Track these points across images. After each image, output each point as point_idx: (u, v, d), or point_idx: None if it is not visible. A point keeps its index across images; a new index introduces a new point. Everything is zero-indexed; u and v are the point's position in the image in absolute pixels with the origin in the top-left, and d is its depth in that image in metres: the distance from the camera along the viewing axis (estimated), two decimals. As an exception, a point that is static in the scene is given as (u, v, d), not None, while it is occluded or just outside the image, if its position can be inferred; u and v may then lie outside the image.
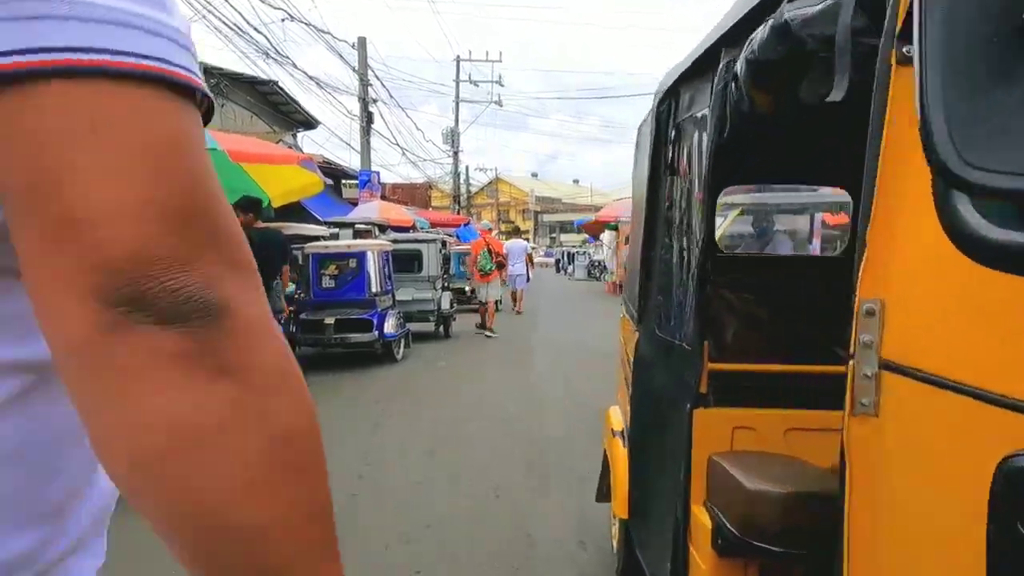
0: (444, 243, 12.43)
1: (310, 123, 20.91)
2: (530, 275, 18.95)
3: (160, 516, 0.40)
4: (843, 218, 8.33)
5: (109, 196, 0.36)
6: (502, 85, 34.54)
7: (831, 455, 1.21)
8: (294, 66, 13.33)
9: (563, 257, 40.69)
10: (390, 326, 8.49)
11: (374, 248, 8.96)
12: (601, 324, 10.90)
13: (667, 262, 2.41)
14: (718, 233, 4.29)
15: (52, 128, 0.35)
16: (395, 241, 10.72)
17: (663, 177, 2.49)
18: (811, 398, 2.09)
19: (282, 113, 19.87)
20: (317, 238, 9.80)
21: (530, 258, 17.65)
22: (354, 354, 8.60)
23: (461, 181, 36.73)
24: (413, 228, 14.90)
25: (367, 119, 16.91)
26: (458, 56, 33.33)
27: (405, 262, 10.68)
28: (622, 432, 2.91)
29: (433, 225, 18.94)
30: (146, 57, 0.38)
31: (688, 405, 2.02)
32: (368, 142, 16.68)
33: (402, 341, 9.11)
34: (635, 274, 2.81)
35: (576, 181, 76.25)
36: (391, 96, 18.36)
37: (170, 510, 0.40)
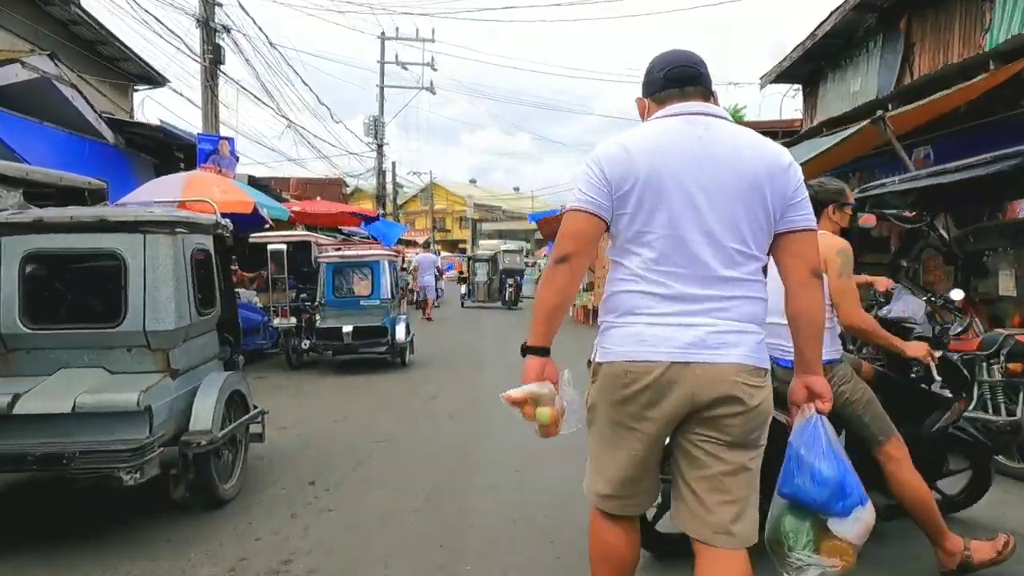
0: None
1: (151, 78, 15.24)
2: (441, 289, 18.08)
3: (805, 323, 2.07)
4: None
5: (817, 263, 2.09)
6: (435, 69, 29.47)
7: None
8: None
9: (468, 266, 25.08)
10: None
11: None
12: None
13: None
14: None
15: (813, 243, 2.08)
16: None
17: None
18: None
19: (105, 59, 14.13)
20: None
21: (439, 271, 17.38)
22: None
23: (388, 180, 31.00)
24: (262, 220, 9.18)
25: (212, 56, 11.35)
26: (383, 33, 28.26)
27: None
28: None
29: (310, 219, 13.29)
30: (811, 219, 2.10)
31: None
32: (214, 90, 11.07)
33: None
34: None
35: (517, 189, 70.19)
36: (270, 43, 13.12)
37: (812, 318, 2.08)
